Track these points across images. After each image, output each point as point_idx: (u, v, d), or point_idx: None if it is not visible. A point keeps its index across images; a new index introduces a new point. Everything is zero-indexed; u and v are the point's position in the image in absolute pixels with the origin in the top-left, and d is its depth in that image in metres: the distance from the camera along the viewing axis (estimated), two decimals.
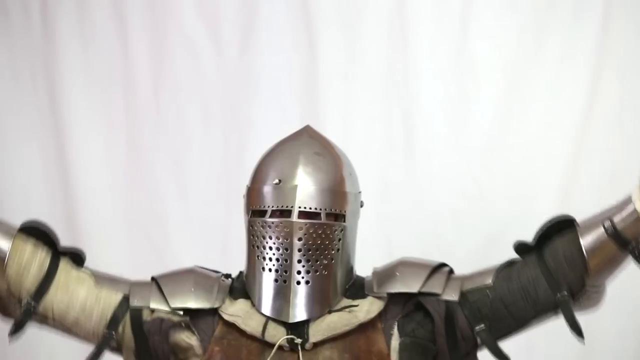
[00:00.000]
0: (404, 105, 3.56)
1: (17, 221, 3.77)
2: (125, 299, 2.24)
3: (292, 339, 2.11)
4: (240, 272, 2.35)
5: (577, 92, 3.39)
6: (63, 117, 3.81)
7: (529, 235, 3.41)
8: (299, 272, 2.11)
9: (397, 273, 2.23)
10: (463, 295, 2.17)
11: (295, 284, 2.11)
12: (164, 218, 3.77)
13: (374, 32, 3.60)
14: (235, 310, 2.20)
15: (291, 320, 2.11)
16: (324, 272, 2.14)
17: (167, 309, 2.21)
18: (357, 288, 2.27)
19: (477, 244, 3.49)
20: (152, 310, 2.22)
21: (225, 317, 2.18)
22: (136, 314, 2.22)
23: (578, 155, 3.40)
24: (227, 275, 2.36)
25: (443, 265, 2.31)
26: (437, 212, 3.54)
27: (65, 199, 3.81)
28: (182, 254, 3.71)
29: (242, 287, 2.28)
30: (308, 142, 2.28)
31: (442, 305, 2.17)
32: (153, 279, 2.31)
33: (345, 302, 2.21)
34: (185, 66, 3.78)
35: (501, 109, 3.47)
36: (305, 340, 2.11)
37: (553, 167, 3.42)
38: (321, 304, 2.15)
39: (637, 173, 3.33)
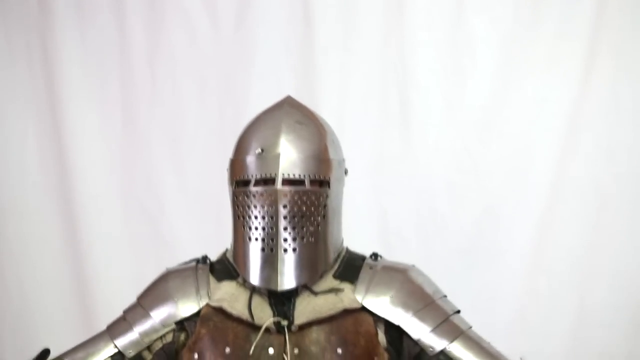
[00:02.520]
0: (399, 79, 3.54)
1: (13, 196, 3.81)
2: (119, 354, 2.27)
3: (279, 321, 2.12)
4: (224, 252, 2.38)
5: (573, 66, 3.37)
6: (59, 90, 3.81)
7: (523, 208, 3.45)
8: (285, 240, 2.11)
9: (391, 295, 2.21)
10: (445, 354, 2.16)
11: (282, 252, 2.11)
12: (160, 191, 3.78)
13: (370, 5, 3.56)
14: (221, 295, 2.23)
15: (280, 289, 2.12)
16: (310, 239, 2.14)
17: (160, 332, 2.25)
18: (347, 269, 2.28)
19: (472, 217, 3.50)
20: (149, 346, 2.26)
21: (213, 304, 2.21)
22: None
23: (573, 129, 3.38)
24: (204, 259, 2.39)
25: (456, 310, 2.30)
26: (432, 185, 3.53)
27: (61, 172, 3.83)
28: (178, 226, 3.74)
29: (224, 268, 2.31)
30: (289, 111, 2.27)
31: (417, 347, 2.19)
32: (139, 304, 2.34)
33: (333, 282, 2.22)
34: (181, 40, 3.76)
35: (497, 82, 3.45)
36: (291, 322, 2.13)
37: (548, 141, 3.41)
38: (309, 271, 2.16)
39: (632, 147, 3.37)
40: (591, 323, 3.43)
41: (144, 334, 2.25)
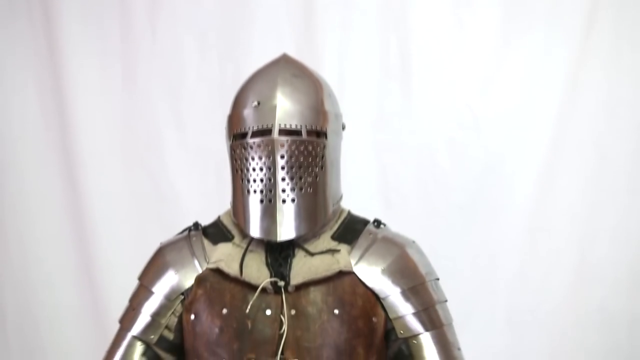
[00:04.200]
0: (400, 34, 3.52)
1: (14, 152, 3.80)
2: (146, 346, 2.27)
3: (275, 282, 2.12)
4: (218, 217, 2.38)
5: (574, 21, 3.36)
6: (59, 45, 3.77)
7: (524, 164, 3.46)
8: (283, 191, 2.10)
9: (383, 268, 2.21)
10: (407, 343, 2.18)
11: (281, 203, 2.11)
12: (160, 146, 3.77)
13: None
14: (217, 255, 2.22)
15: (279, 239, 2.12)
16: (309, 189, 2.13)
17: (170, 308, 2.25)
18: (347, 231, 2.28)
19: (472, 173, 3.50)
20: (167, 325, 2.26)
21: (210, 266, 2.21)
22: (165, 344, 2.27)
23: (574, 84, 3.38)
24: (196, 225, 2.38)
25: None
26: (432, 141, 3.53)
27: (61, 127, 3.81)
28: (178, 182, 3.74)
29: (219, 231, 2.32)
30: (285, 66, 2.27)
31: (390, 324, 2.19)
32: (142, 284, 2.33)
33: (330, 243, 2.22)
34: None
35: (498, 38, 3.44)
36: (287, 282, 2.12)
37: (549, 97, 3.41)
38: (308, 222, 2.16)
39: (632, 102, 3.37)
40: (591, 279, 3.45)
41: (155, 315, 2.25)
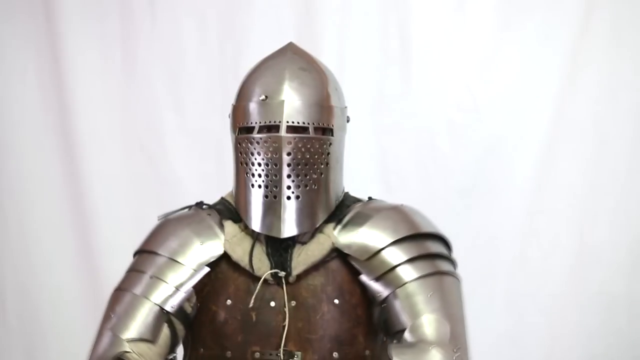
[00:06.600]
0: (400, 16, 3.50)
1: (13, 134, 3.78)
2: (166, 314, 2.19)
3: (276, 273, 2.12)
4: (221, 198, 2.36)
5: (574, 2, 3.35)
6: (58, 26, 3.74)
7: (523, 146, 3.45)
8: (288, 187, 2.09)
9: (367, 225, 2.18)
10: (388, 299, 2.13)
11: (286, 199, 2.10)
12: (159, 129, 3.75)
13: None
14: (226, 233, 2.21)
15: (282, 236, 2.11)
16: (313, 186, 2.12)
17: (194, 279, 2.18)
18: (338, 209, 2.26)
19: (472, 155, 3.50)
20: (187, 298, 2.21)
21: (225, 245, 2.18)
22: (181, 315, 2.20)
23: (574, 66, 3.38)
24: (200, 204, 2.35)
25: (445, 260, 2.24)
26: (432, 123, 3.52)
27: (60, 109, 3.79)
28: (177, 165, 3.73)
29: (226, 209, 2.28)
30: (292, 58, 2.23)
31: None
32: (154, 252, 2.26)
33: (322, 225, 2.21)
34: None
35: (498, 20, 3.43)
36: (289, 273, 2.13)
37: (549, 79, 3.41)
38: (312, 218, 2.16)
39: (632, 84, 3.36)
40: (591, 261, 3.47)
41: (179, 285, 2.17)
